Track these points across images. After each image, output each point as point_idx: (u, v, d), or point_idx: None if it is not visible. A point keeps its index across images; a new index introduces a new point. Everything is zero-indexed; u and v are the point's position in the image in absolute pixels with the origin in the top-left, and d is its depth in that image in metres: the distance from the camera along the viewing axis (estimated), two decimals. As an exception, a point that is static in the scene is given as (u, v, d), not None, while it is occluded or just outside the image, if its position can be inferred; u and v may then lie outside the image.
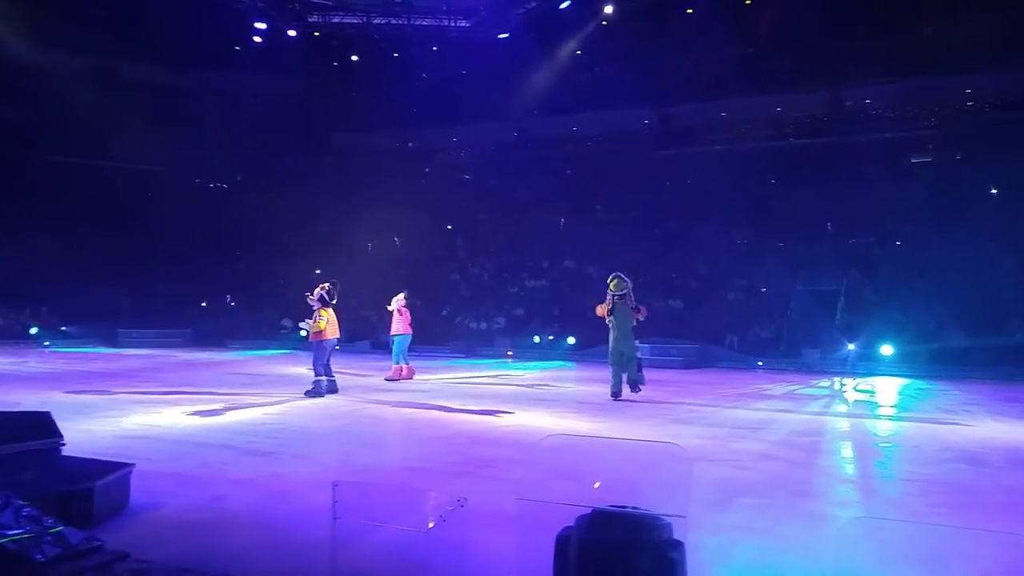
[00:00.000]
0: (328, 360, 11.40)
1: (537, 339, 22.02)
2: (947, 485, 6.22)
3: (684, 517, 2.82)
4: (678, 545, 2.79)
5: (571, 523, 3.03)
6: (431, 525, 4.24)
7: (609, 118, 26.99)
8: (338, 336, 11.59)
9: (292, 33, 23.63)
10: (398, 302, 14.00)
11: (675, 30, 23.00)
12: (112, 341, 22.24)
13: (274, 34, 23.58)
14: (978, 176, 22.78)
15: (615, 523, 2.85)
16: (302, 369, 13.85)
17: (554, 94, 24.91)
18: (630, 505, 2.90)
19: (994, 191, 22.99)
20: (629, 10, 22.04)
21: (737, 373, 17.71)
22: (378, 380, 13.89)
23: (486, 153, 27.61)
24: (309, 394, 11.10)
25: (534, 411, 10.02)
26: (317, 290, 11.45)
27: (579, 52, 24.69)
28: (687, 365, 18.45)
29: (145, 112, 24.61)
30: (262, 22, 23.45)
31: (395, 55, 23.01)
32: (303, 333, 11.87)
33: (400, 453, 7.19)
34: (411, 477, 6.11)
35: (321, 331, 11.17)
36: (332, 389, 11.38)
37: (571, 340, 21.19)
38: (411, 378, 13.79)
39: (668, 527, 2.86)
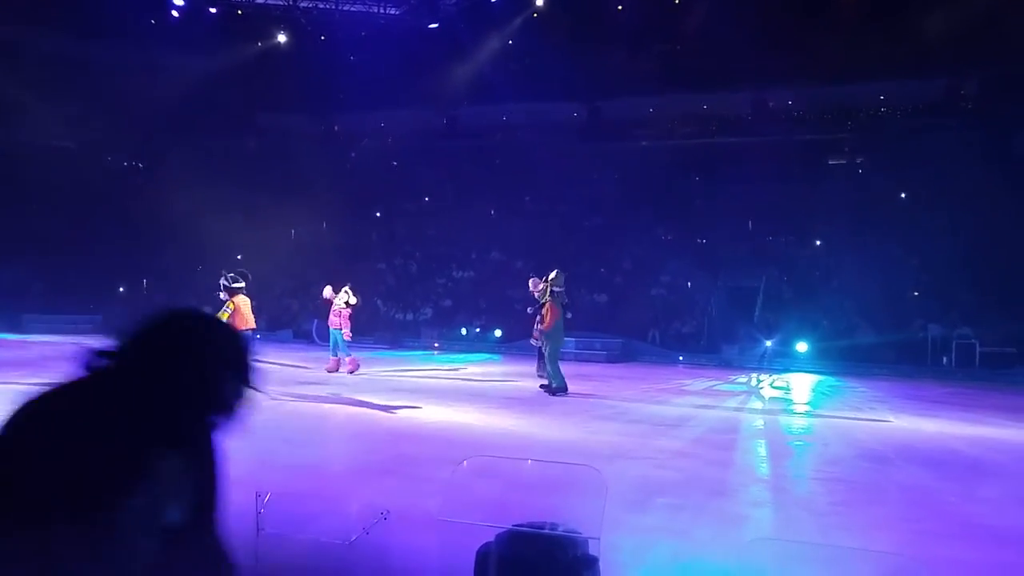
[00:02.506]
0: None
1: (464, 331, 21.96)
2: (850, 484, 6.49)
3: (598, 538, 2.83)
4: (593, 562, 2.81)
5: (491, 539, 3.02)
6: (353, 539, 4.13)
7: (539, 109, 27.06)
8: (253, 327, 11.12)
9: (213, 10, 22.74)
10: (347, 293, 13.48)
11: (605, 26, 23.24)
12: (17, 327, 21.04)
13: (193, 10, 22.64)
14: (889, 180, 23.86)
15: (532, 541, 2.85)
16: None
17: (484, 83, 24.80)
18: (548, 523, 2.90)
19: (903, 195, 24.13)
20: (560, 4, 22.12)
21: (659, 368, 18.09)
22: (300, 371, 13.56)
23: (415, 140, 27.24)
24: None
25: (459, 406, 9.97)
26: (223, 280, 10.97)
27: (510, 42, 24.63)
28: (611, 359, 18.74)
29: (54, 86, 23.22)
30: None
31: (322, 37, 22.41)
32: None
33: (322, 451, 7.01)
34: (333, 477, 5.95)
35: (240, 318, 10.75)
36: None
37: (498, 332, 21.22)
38: (352, 370, 13.39)
39: (584, 544, 2.88)
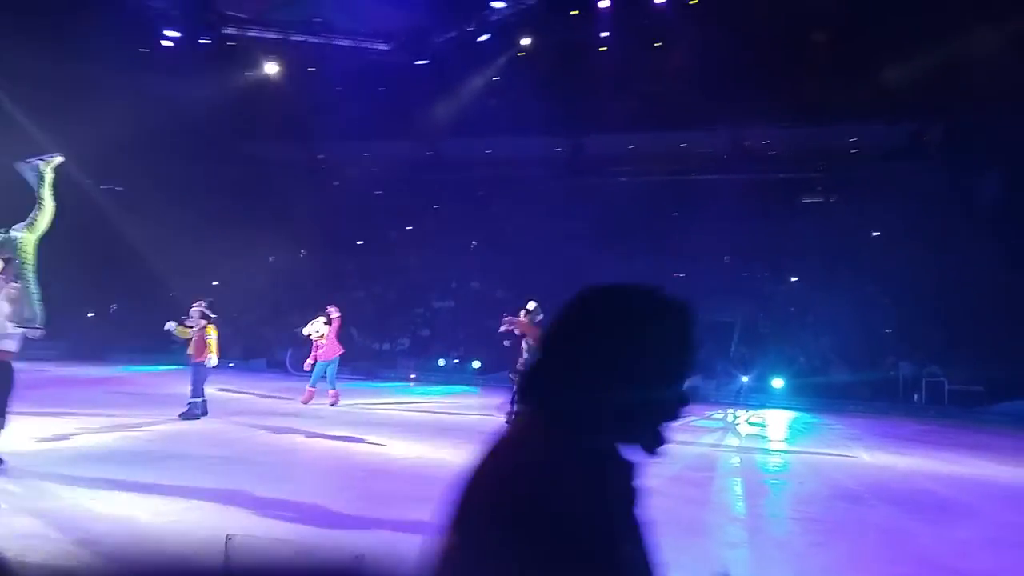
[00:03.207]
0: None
1: (442, 362, 21.84)
2: (825, 523, 6.53)
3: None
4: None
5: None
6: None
7: (522, 144, 27.30)
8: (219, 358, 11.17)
9: (206, 41, 22.88)
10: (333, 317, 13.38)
11: (588, 65, 23.63)
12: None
13: (186, 41, 22.75)
14: (861, 220, 24.33)
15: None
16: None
17: (469, 117, 25.02)
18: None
19: (875, 234, 24.59)
20: (545, 44, 22.53)
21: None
22: (272, 403, 13.39)
23: (399, 170, 27.32)
24: (184, 416, 10.62)
25: (435, 441, 9.89)
26: (195, 308, 10.92)
27: (496, 79, 24.94)
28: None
29: (36, 103, 23.01)
30: (174, 30, 22.62)
31: (310, 69, 22.54)
32: (176, 332, 11.15)
33: (294, 487, 6.89)
34: (304, 516, 5.86)
35: (204, 348, 10.71)
36: (204, 411, 10.91)
37: (476, 364, 21.13)
38: (306, 400, 13.25)
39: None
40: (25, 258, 6.46)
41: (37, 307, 6.35)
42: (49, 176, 6.91)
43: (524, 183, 25.52)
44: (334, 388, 13.13)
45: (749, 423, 14.57)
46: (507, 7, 21.76)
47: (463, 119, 25.01)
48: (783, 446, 11.78)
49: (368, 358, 22.27)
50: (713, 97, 23.09)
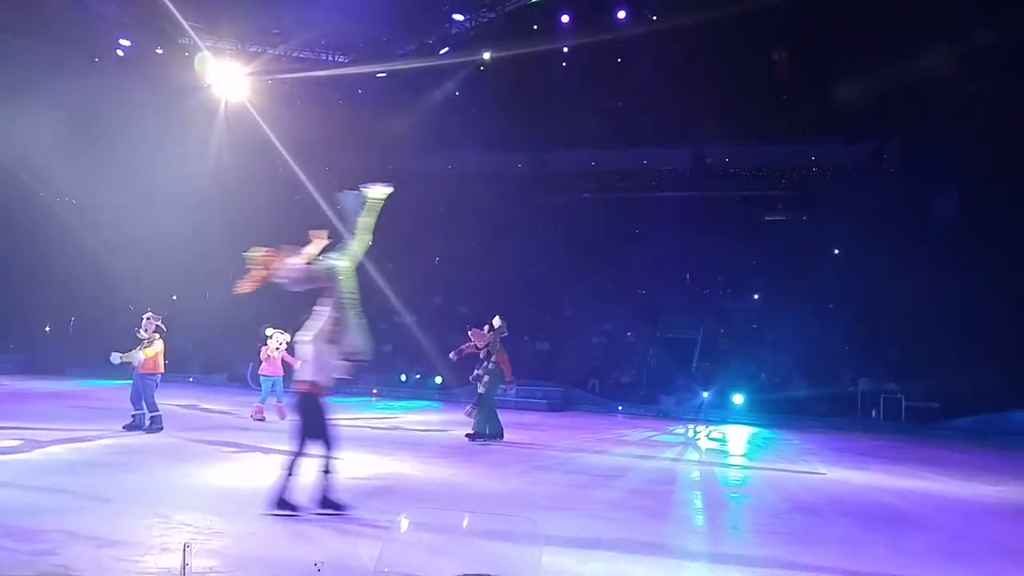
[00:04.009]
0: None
1: (404, 377, 21.60)
2: (784, 536, 6.53)
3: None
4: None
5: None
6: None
7: (484, 159, 27.36)
8: (162, 372, 10.92)
9: (160, 51, 22.45)
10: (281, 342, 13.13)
11: (550, 81, 23.78)
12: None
13: (140, 50, 22.32)
14: (821, 237, 24.75)
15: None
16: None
17: (431, 132, 24.97)
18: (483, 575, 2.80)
19: (836, 251, 25.03)
20: (506, 59, 22.63)
21: (598, 417, 18.11)
22: (233, 418, 13.07)
23: (358, 183, 27.16)
24: (129, 427, 10.50)
25: (396, 456, 9.71)
26: (148, 321, 10.67)
27: (457, 94, 24.94)
28: (551, 408, 18.68)
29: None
30: (127, 39, 22.15)
31: (268, 81, 22.28)
32: (123, 360, 10.70)
33: (255, 501, 6.67)
34: (264, 530, 5.67)
35: (154, 362, 10.47)
36: (158, 426, 10.60)
37: (438, 379, 20.94)
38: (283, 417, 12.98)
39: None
40: (348, 287, 6.42)
41: (362, 336, 6.35)
42: (375, 205, 6.71)
43: (487, 199, 25.50)
44: (281, 401, 12.90)
45: (709, 438, 14.64)
46: (467, 20, 21.81)
47: (424, 134, 24.95)
48: (743, 461, 11.83)
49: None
50: (675, 114, 23.40)
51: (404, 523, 3.87)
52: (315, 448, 6.17)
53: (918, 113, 21.89)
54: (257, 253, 6.48)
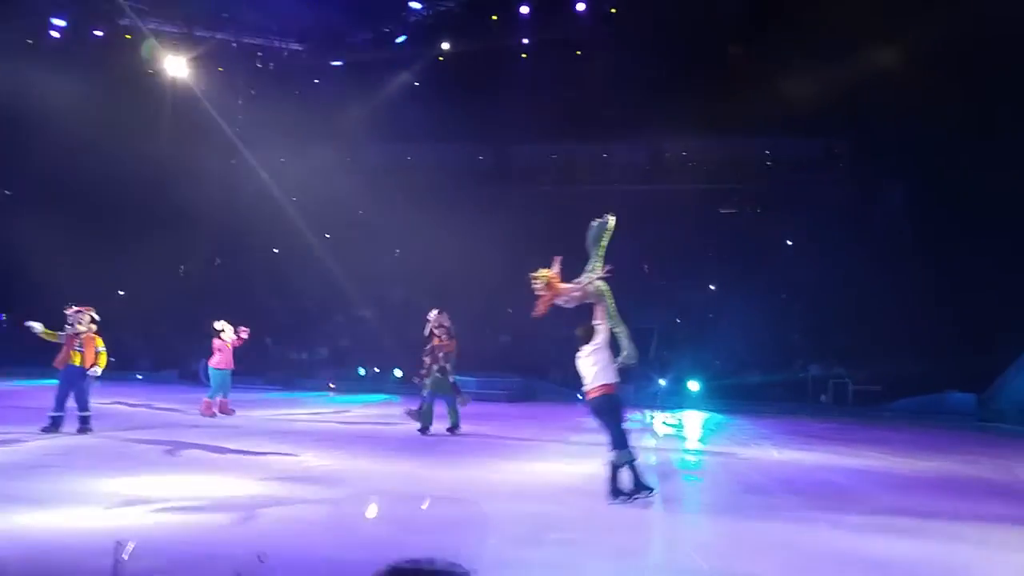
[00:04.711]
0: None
1: (362, 371, 21.47)
2: (737, 515, 6.73)
3: (476, 571, 2.79)
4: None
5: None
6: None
7: (444, 150, 27.23)
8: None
9: (99, 33, 21.45)
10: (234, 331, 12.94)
11: (509, 73, 23.79)
12: None
13: (75, 32, 21.28)
14: (775, 230, 25.27)
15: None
16: (94, 402, 12.37)
17: (389, 122, 24.77)
18: (425, 559, 2.83)
19: (789, 243, 25.60)
20: (466, 49, 22.51)
21: (558, 406, 18.26)
22: (180, 416, 12.87)
23: (317, 176, 26.75)
24: (82, 430, 9.96)
25: (352, 449, 9.70)
26: (79, 314, 10.25)
27: (416, 84, 24.80)
28: (511, 398, 18.79)
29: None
30: (61, 19, 21.14)
31: (220, 69, 21.75)
32: (39, 331, 10.29)
33: (203, 496, 6.62)
34: (210, 524, 5.64)
35: (94, 359, 10.10)
36: (86, 427, 10.12)
37: (398, 373, 20.86)
38: (230, 413, 12.82)
39: (465, 577, 2.81)
40: (611, 302, 7.47)
41: (630, 345, 7.39)
42: (610, 232, 7.94)
43: (447, 191, 25.44)
44: (227, 397, 12.75)
45: (666, 424, 14.89)
46: (425, 9, 21.59)
47: (382, 124, 24.74)
48: (698, 445, 12.08)
49: (285, 368, 21.69)
50: (634, 108, 23.62)
51: (350, 511, 3.92)
52: (614, 442, 6.93)
53: (867, 111, 22.50)
54: (543, 275, 7.58)
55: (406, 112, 24.16)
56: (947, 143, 20.68)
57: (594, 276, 7.57)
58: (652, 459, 10.16)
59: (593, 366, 7.18)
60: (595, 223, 8.00)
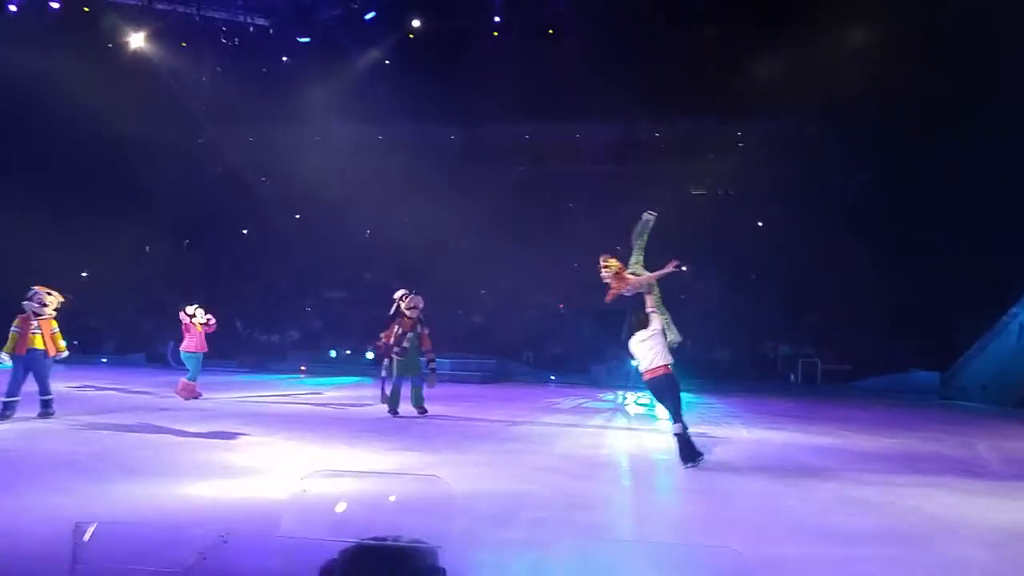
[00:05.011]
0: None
1: (334, 353, 21.33)
2: (705, 492, 6.80)
3: (441, 548, 2.76)
4: (439, 573, 2.73)
5: (335, 556, 2.89)
6: (189, 565, 3.84)
7: (415, 130, 26.94)
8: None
9: (55, 5, 20.73)
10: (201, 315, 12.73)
11: (482, 51, 23.54)
12: None
13: (32, 5, 20.59)
14: (746, 210, 25.48)
15: (377, 554, 2.74)
16: (61, 386, 12.12)
17: (358, 101, 24.41)
18: (391, 536, 2.80)
19: (759, 224, 25.82)
20: (437, 27, 22.19)
21: (532, 387, 18.33)
22: (149, 399, 12.67)
23: (285, 156, 26.35)
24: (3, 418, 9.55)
25: (324, 431, 9.61)
26: (54, 297, 9.94)
27: (387, 62, 24.44)
28: (485, 380, 18.80)
29: None
30: None
31: (183, 44, 21.17)
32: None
33: (168, 478, 6.52)
34: (174, 506, 5.55)
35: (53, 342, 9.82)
36: (49, 412, 9.82)
37: (370, 355, 20.75)
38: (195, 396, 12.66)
39: (431, 555, 2.79)
40: (658, 292, 8.51)
41: (674, 329, 8.44)
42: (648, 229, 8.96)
43: (419, 171, 25.21)
44: (196, 380, 12.59)
45: (638, 404, 15.01)
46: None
47: (351, 102, 24.38)
48: (669, 425, 12.16)
49: (256, 351, 21.48)
50: (606, 89, 23.53)
51: (319, 491, 3.86)
52: (674, 415, 7.88)
53: (837, 92, 22.68)
54: (613, 265, 8.37)
55: (376, 91, 23.84)
56: (914, 125, 20.97)
57: (641, 269, 8.59)
58: (623, 438, 10.26)
59: (650, 350, 8.02)
60: (645, 216, 9.07)
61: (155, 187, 23.21)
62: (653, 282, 8.39)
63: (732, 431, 11.10)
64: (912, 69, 19.96)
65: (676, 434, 7.89)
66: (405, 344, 11.29)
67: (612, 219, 24.04)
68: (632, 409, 14.20)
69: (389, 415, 11.15)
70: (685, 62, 24.07)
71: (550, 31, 23.93)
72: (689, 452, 7.78)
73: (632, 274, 8.40)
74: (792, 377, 19.32)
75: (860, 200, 23.95)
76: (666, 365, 8.01)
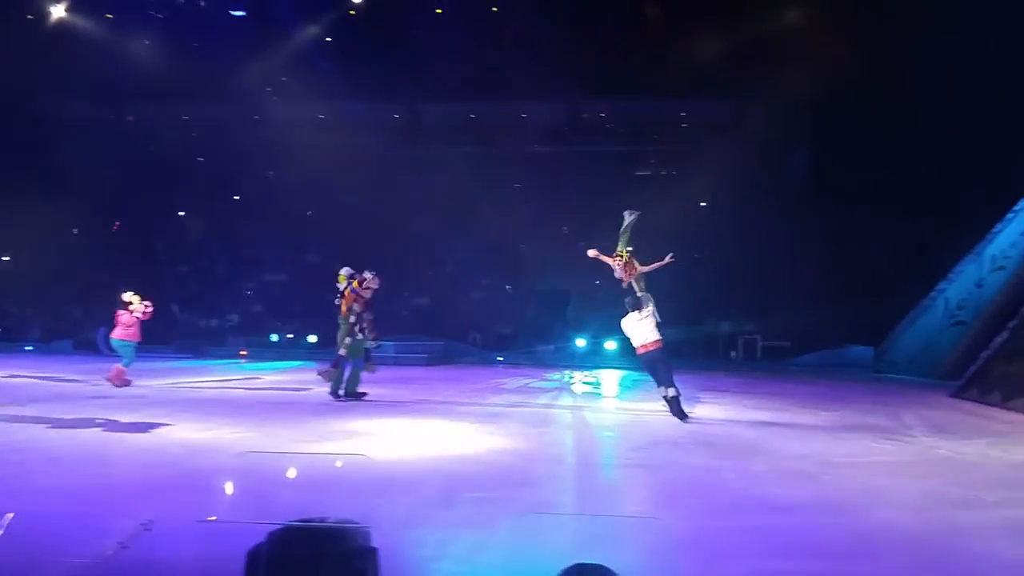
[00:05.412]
0: None
1: (275, 337, 20.91)
2: (647, 468, 6.87)
3: (370, 527, 2.69)
4: (369, 553, 2.66)
5: (263, 539, 2.78)
6: (110, 554, 3.69)
7: (359, 109, 26.40)
8: None
9: None
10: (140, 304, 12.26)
11: (425, 28, 23.16)
12: None
13: None
14: (689, 191, 25.77)
15: (305, 536, 2.65)
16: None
17: (298, 79, 23.76)
18: (318, 517, 2.71)
19: (702, 204, 26.19)
20: (379, 3, 21.70)
21: (479, 368, 18.29)
22: (79, 387, 12.18)
23: (220, 135, 25.50)
24: None
25: (264, 416, 9.37)
26: None
27: (328, 39, 23.82)
28: (431, 361, 18.69)
29: None
30: None
31: (108, 16, 20.19)
32: None
33: (96, 469, 6.25)
34: (101, 496, 5.32)
35: None
36: None
37: (312, 338, 20.41)
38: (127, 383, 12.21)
39: (362, 535, 2.71)
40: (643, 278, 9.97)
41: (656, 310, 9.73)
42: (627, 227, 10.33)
43: (362, 150, 24.74)
44: (127, 367, 12.17)
45: (584, 383, 15.12)
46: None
47: (294, 81, 23.73)
48: (614, 403, 12.30)
49: (194, 336, 20.88)
50: (551, 69, 23.45)
51: (254, 476, 3.74)
52: (664, 383, 9.41)
53: (776, 73, 23.06)
54: (624, 255, 10.00)
55: (317, 68, 23.25)
56: (848, 104, 21.51)
57: (629, 258, 10.04)
58: (569, 416, 10.30)
59: (645, 328, 9.56)
60: (626, 215, 10.46)
61: (82, 167, 22.18)
62: (639, 269, 9.88)
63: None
64: (845, 51, 20.42)
65: (671, 397, 9.32)
66: (365, 326, 11.10)
67: (558, 199, 24.26)
68: (578, 388, 14.29)
69: (346, 399, 10.84)
70: (629, 42, 24.17)
71: (494, 8, 23.68)
72: (680, 411, 9.24)
73: (626, 263, 9.92)
74: (733, 354, 19.78)
75: (798, 179, 24.51)
76: (658, 340, 9.53)
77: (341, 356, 10.93)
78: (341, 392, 10.92)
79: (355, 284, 11.10)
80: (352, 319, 11.05)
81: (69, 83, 21.11)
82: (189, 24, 22.25)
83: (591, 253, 10.70)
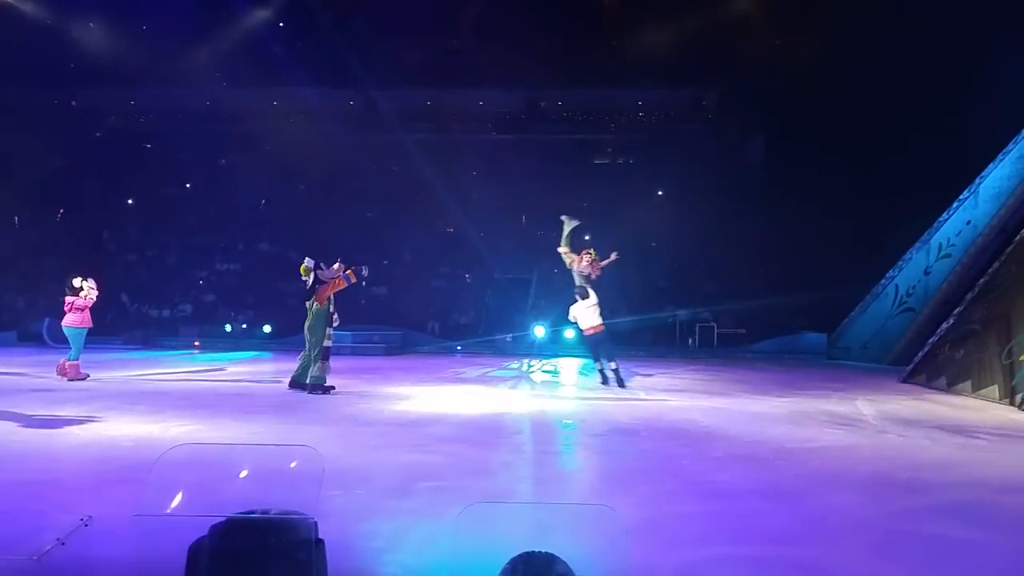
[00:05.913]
0: None
1: (228, 328, 20.49)
2: (603, 455, 6.92)
3: (315, 519, 2.61)
4: (314, 544, 2.58)
5: (204, 533, 2.68)
6: (46, 551, 3.54)
7: (313, 96, 25.92)
8: None
9: None
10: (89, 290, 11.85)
11: (382, 13, 22.79)
12: None
13: None
14: (646, 179, 26.00)
15: (249, 529, 2.55)
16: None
17: (249, 64, 23.17)
18: (261, 509, 2.62)
19: (659, 192, 26.41)
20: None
21: (437, 358, 18.18)
22: (25, 379, 11.75)
23: (171, 121, 24.76)
24: None
25: (216, 409, 9.15)
26: None
27: (281, 24, 23.28)
28: (389, 351, 18.51)
29: None
30: None
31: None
32: None
33: (39, 465, 6.02)
34: (39, 492, 5.11)
35: None
36: None
37: (267, 328, 20.06)
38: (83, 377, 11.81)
39: (307, 527, 2.63)
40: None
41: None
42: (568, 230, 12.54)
43: (317, 137, 24.33)
44: (78, 359, 11.79)
45: (542, 371, 15.14)
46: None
47: (242, 65, 23.14)
48: (572, 391, 12.33)
49: (144, 326, 20.34)
50: (509, 57, 23.33)
51: (177, 462, 3.61)
52: (609, 358, 11.95)
53: (733, 63, 23.32)
54: (593, 254, 12.14)
55: (270, 53, 22.72)
56: (801, 92, 21.85)
57: (571, 252, 12.34)
58: (527, 405, 10.28)
59: (592, 314, 11.78)
60: (564, 219, 12.71)
61: (23, 153, 21.36)
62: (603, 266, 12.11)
63: (630, 394, 11.33)
64: (802, 42, 20.72)
65: (614, 369, 11.75)
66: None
67: (516, 187, 24.18)
68: (537, 376, 14.30)
69: (316, 393, 10.57)
70: (587, 31, 24.16)
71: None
72: (621, 380, 11.66)
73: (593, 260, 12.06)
74: (690, 341, 19.99)
75: (753, 167, 24.85)
76: (602, 323, 11.85)
77: (327, 348, 10.75)
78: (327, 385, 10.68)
79: (349, 272, 10.88)
80: (331, 308, 10.87)
81: (9, 66, 20.25)
82: (136, 5, 21.53)
83: (562, 250, 12.29)
